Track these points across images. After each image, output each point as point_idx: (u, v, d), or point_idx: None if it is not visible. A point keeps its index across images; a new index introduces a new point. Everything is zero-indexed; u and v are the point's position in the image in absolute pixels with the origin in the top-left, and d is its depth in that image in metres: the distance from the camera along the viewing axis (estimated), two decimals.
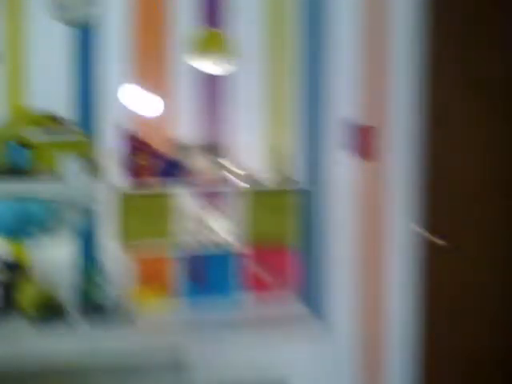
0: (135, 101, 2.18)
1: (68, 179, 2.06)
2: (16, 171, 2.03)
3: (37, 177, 2.04)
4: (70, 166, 2.08)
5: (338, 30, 2.13)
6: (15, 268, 2.08)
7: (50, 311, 2.00)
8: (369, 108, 2.20)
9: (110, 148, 2.14)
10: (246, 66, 2.22)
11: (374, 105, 2.20)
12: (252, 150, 2.24)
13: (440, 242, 2.20)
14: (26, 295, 2.04)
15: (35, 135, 2.06)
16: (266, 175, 2.23)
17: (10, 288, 2.06)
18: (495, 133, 2.19)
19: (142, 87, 2.18)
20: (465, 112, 2.21)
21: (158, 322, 2.06)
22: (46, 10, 2.11)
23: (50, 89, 2.14)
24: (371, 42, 2.16)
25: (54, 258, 2.15)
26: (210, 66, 2.21)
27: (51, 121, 2.09)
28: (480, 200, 2.25)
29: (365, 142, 2.23)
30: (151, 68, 2.19)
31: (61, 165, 2.07)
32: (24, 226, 2.08)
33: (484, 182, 2.25)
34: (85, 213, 2.12)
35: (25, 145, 2.05)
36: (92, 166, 2.10)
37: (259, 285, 2.24)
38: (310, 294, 2.25)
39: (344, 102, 2.19)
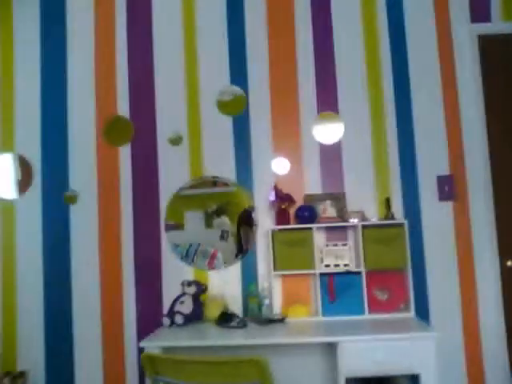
0: (279, 166, 3.02)
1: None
2: None
3: None
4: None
5: (419, 100, 2.95)
6: (204, 289, 2.87)
7: (226, 318, 2.73)
8: (451, 160, 2.95)
9: (264, 199, 2.97)
10: (354, 134, 3.02)
11: (454, 157, 2.95)
12: (364, 196, 2.98)
13: None
14: (211, 307, 2.80)
15: None
16: (375, 214, 2.95)
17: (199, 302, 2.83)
18: None
19: (282, 156, 3.03)
20: None
21: (303, 324, 2.70)
22: (213, 104, 3.06)
23: (219, 160, 3.04)
24: (447, 112, 2.96)
25: (227, 282, 2.94)
26: (328, 136, 3.02)
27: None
28: None
29: (449, 187, 2.94)
30: (286, 143, 3.04)
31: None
32: None
33: None
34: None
35: None
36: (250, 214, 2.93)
37: (377, 302, 2.88)
38: (418, 305, 2.86)
39: (432, 158, 2.96)
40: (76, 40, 3.15)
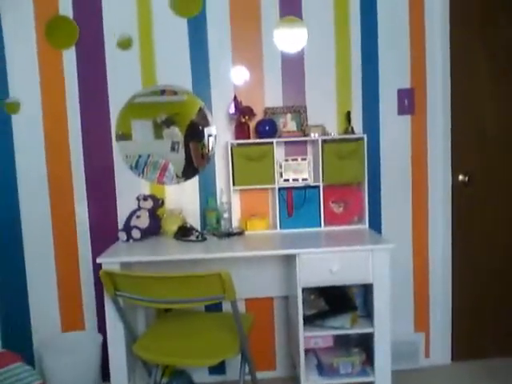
0: (238, 76, 2.86)
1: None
2: None
3: None
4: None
5: (384, 13, 2.82)
6: (160, 203, 2.80)
7: (184, 232, 2.71)
8: (412, 75, 2.90)
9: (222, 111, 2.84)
10: (318, 44, 2.88)
11: (416, 72, 2.90)
12: (325, 110, 2.91)
13: (466, 179, 2.93)
14: (168, 222, 2.76)
15: None
16: (335, 129, 2.91)
17: (156, 217, 2.78)
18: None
19: (241, 65, 2.86)
20: (486, 72, 2.91)
21: (262, 237, 2.73)
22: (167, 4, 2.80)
23: (174, 68, 2.84)
24: (412, 26, 2.86)
25: (185, 196, 2.89)
26: (290, 44, 2.87)
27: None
28: (499, 142, 2.96)
29: (409, 101, 2.92)
30: (245, 51, 2.86)
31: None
32: None
33: (503, 128, 2.97)
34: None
35: None
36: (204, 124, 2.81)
37: (334, 215, 2.93)
38: (372, 218, 2.95)
39: (394, 71, 2.89)
40: None
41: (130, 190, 2.88)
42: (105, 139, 2.85)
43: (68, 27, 2.79)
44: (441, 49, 2.89)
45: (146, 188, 2.90)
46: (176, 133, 2.86)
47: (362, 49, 2.88)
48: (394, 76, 2.90)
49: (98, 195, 2.88)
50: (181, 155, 2.88)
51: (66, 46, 2.80)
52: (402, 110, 2.92)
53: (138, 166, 2.89)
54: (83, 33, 2.80)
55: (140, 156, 2.88)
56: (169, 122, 2.86)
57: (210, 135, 2.88)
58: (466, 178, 2.96)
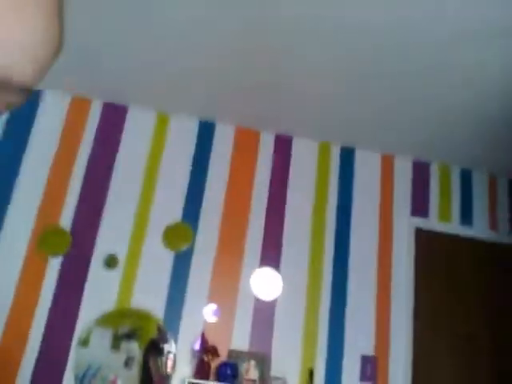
0: (209, 313, 2.94)
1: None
2: None
3: None
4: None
5: (355, 279, 3.06)
6: None
7: None
8: (376, 343, 3.00)
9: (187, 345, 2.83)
10: (290, 296, 3.05)
11: (380, 338, 3.01)
12: (289, 362, 2.91)
13: None
14: None
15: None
16: None
17: None
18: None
19: (214, 304, 2.96)
20: (447, 356, 3.02)
21: None
22: (159, 237, 3.03)
23: (151, 293, 2.92)
24: (380, 294, 3.07)
25: None
26: (264, 293, 3.03)
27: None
28: None
29: (372, 368, 2.96)
30: (222, 291, 3.00)
31: None
32: None
33: None
34: None
35: None
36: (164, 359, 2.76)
37: None
38: None
39: (359, 336, 3.00)
40: (38, 139, 3.11)
41: None
42: (64, 344, 2.77)
43: (62, 237, 2.96)
44: (404, 318, 3.06)
45: None
46: (135, 348, 2.79)
47: (330, 312, 3.04)
48: (358, 340, 3.00)
49: None
50: (134, 372, 2.75)
51: (55, 253, 2.93)
52: (363, 377, 2.94)
53: (85, 378, 2.71)
54: (75, 245, 2.96)
55: (89, 367, 2.73)
56: (131, 336, 2.81)
57: (169, 352, 2.81)
58: None
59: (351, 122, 3.11)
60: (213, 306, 2.94)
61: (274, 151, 3.31)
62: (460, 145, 3.18)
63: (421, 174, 3.39)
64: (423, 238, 3.25)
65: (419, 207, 3.32)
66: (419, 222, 3.27)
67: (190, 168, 3.20)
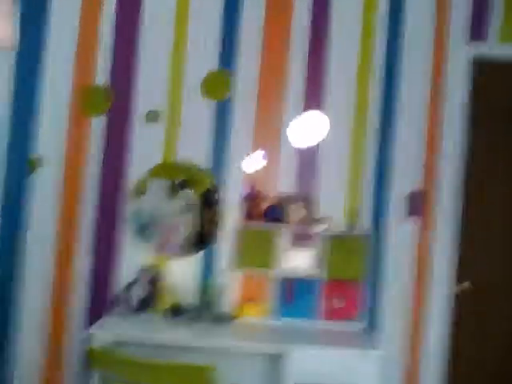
0: (257, 158, 2.96)
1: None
2: None
3: None
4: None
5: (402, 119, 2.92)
6: (159, 277, 2.84)
7: (177, 311, 2.74)
8: (425, 177, 2.95)
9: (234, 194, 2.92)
10: (334, 139, 2.98)
11: (429, 174, 2.95)
12: (334, 203, 2.97)
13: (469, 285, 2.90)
14: (164, 296, 2.79)
15: None
16: (342, 223, 2.95)
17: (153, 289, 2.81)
18: None
19: (257, 151, 2.96)
20: (496, 184, 2.95)
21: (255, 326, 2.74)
22: (197, 86, 2.95)
23: (195, 145, 2.96)
24: (430, 130, 2.93)
25: (183, 274, 2.91)
26: (309, 137, 2.97)
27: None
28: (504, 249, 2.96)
29: (417, 202, 2.95)
30: (267, 137, 2.97)
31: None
32: None
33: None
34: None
35: None
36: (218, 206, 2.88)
37: (332, 310, 2.91)
38: (371, 316, 2.92)
39: (405, 173, 2.95)
40: (59, 2, 2.95)
41: (133, 257, 2.93)
42: (119, 195, 2.95)
43: (102, 96, 2.94)
44: (454, 153, 2.93)
45: (148, 258, 2.94)
46: (190, 196, 2.91)
47: (376, 150, 2.96)
48: (406, 177, 2.95)
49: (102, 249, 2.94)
50: (192, 218, 2.90)
51: (98, 113, 2.95)
52: (411, 212, 2.95)
53: (146, 227, 2.91)
54: (115, 104, 2.95)
55: (149, 216, 2.91)
56: (184, 185, 2.91)
57: (223, 204, 2.93)
58: (470, 286, 2.92)
59: None
60: (260, 152, 2.95)
61: None
62: None
63: None
64: (482, 67, 2.96)
65: (477, 31, 2.96)
66: (477, 47, 2.94)
67: (223, 12, 2.97)
